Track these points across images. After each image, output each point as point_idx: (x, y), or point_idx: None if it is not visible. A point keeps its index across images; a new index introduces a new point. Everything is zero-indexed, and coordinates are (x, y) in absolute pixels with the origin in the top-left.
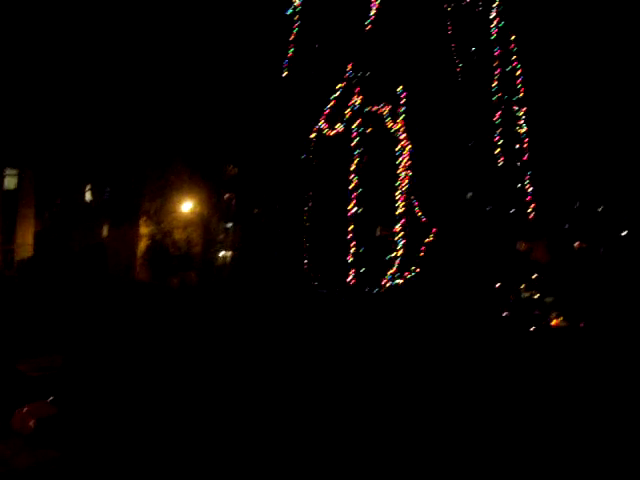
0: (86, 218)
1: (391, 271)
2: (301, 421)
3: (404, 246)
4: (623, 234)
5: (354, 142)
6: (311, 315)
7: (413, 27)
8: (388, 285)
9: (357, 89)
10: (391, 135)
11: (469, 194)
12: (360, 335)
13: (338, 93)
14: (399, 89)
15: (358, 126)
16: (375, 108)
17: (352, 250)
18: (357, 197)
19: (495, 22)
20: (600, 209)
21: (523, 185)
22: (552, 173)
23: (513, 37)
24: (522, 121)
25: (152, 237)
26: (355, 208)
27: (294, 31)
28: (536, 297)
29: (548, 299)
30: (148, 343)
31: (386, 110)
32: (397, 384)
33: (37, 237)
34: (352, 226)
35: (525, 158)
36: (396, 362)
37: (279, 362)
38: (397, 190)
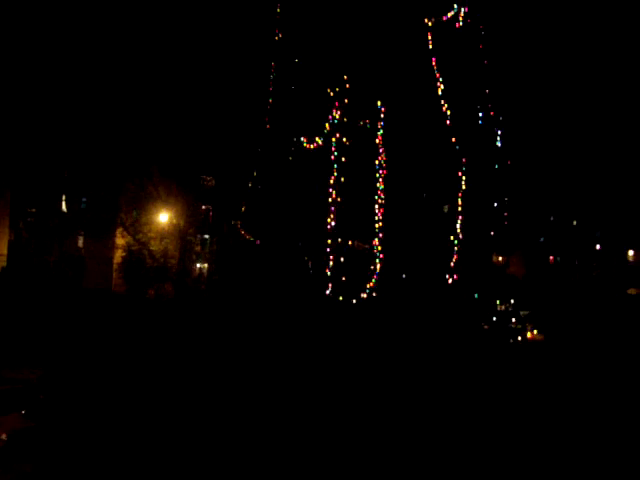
0: (62, 228)
1: (369, 284)
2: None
3: (382, 259)
4: (597, 248)
5: (333, 156)
6: (288, 326)
7: (394, 42)
8: (366, 297)
9: (337, 103)
10: (370, 149)
11: (446, 207)
12: (337, 346)
13: (318, 107)
14: (378, 104)
15: (337, 140)
16: (355, 122)
17: (330, 263)
18: (335, 210)
19: (475, 39)
20: (574, 223)
21: (500, 200)
22: (528, 188)
23: (490, 53)
24: (499, 137)
25: (128, 248)
26: (333, 221)
27: (276, 46)
28: (512, 310)
29: (523, 312)
30: (124, 354)
31: (365, 124)
32: (376, 397)
33: (11, 247)
34: (330, 239)
35: (501, 174)
36: (373, 375)
37: (255, 374)
38: (375, 203)
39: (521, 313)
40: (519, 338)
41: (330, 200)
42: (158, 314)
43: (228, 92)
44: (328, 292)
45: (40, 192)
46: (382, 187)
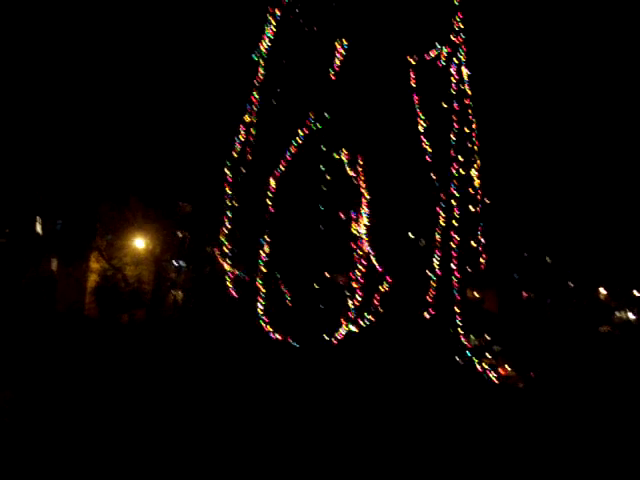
0: (35, 250)
1: (346, 319)
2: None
3: (360, 294)
4: (570, 285)
5: (313, 187)
6: (261, 362)
7: (376, 77)
8: (343, 333)
9: (317, 135)
10: (350, 183)
11: (422, 242)
12: (314, 384)
13: (299, 139)
14: (360, 137)
15: (318, 172)
16: (336, 155)
17: (306, 296)
18: (314, 243)
19: (456, 77)
20: (548, 260)
21: (475, 236)
22: (503, 225)
23: (470, 93)
24: (476, 174)
25: (103, 273)
26: (311, 254)
27: (258, 75)
28: (485, 345)
29: (497, 348)
30: (96, 380)
31: (346, 158)
32: (351, 437)
33: None
34: (307, 272)
35: (478, 210)
36: (351, 413)
37: (224, 407)
38: (354, 237)
39: (495, 348)
40: (492, 374)
41: (310, 232)
42: (131, 339)
43: (207, 121)
44: (302, 330)
45: (14, 214)
46: (360, 220)
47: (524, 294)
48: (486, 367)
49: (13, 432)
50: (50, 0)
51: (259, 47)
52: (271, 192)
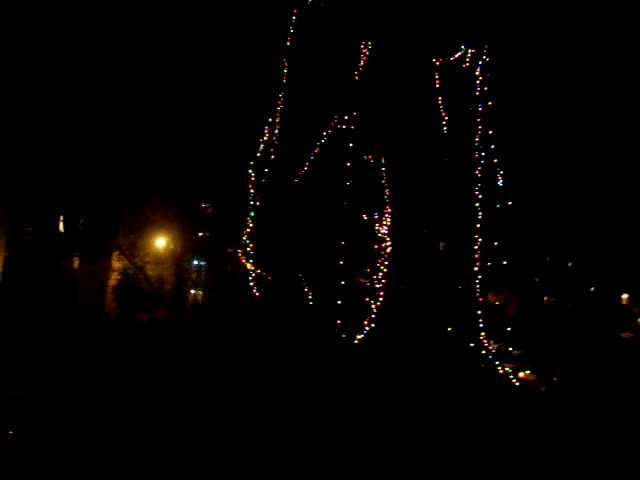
0: (58, 249)
1: (368, 319)
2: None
3: (382, 294)
4: (591, 290)
5: (337, 188)
6: (284, 361)
7: (401, 79)
8: (365, 333)
9: (343, 137)
10: (374, 183)
11: (442, 245)
12: (335, 383)
13: (324, 140)
14: (384, 140)
15: (342, 173)
16: (360, 156)
17: (330, 296)
18: (338, 244)
19: (480, 79)
20: (570, 264)
21: (498, 238)
22: (526, 229)
23: (494, 94)
24: (500, 177)
25: (124, 272)
26: (336, 255)
27: (283, 76)
28: (505, 349)
29: (517, 352)
30: (116, 379)
31: (371, 159)
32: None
33: (6, 265)
34: (330, 272)
35: (500, 213)
36: (369, 412)
37: (248, 407)
38: (376, 238)
39: (515, 352)
40: (512, 378)
41: (333, 234)
42: (152, 339)
43: (232, 119)
44: (325, 328)
45: (37, 212)
46: (385, 223)
47: (545, 298)
48: (507, 370)
49: (42, 425)
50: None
51: (285, 47)
52: (294, 193)
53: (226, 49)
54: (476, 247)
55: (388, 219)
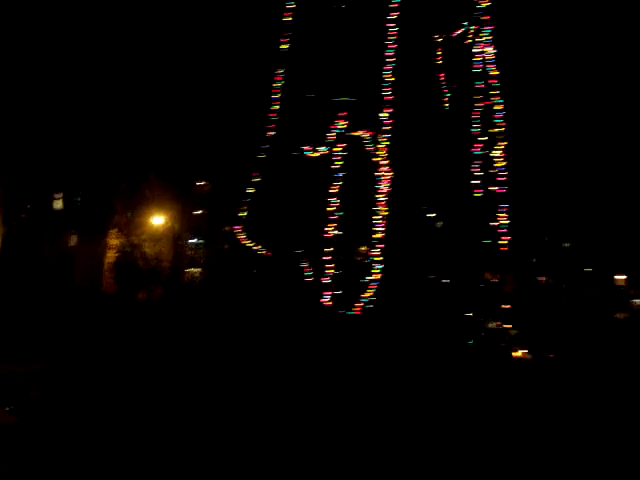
0: (55, 226)
1: (366, 294)
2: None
3: (380, 270)
4: (588, 270)
5: (336, 165)
6: (280, 336)
7: (401, 55)
8: (362, 308)
9: (342, 113)
10: (373, 160)
11: (440, 223)
12: (335, 358)
13: (323, 116)
14: (384, 115)
15: (341, 150)
16: (359, 133)
17: (329, 272)
18: (336, 220)
19: (482, 56)
20: (567, 245)
21: (498, 217)
22: (524, 208)
23: (497, 72)
24: (501, 155)
25: (121, 249)
26: (333, 231)
27: (282, 50)
28: (502, 328)
29: (513, 331)
30: (113, 356)
31: (369, 135)
32: (361, 413)
33: (4, 242)
34: (330, 248)
35: (501, 191)
36: (365, 387)
37: (244, 385)
38: (376, 215)
39: (511, 332)
40: (507, 356)
41: (331, 209)
42: (150, 316)
43: (230, 97)
44: (325, 301)
45: (34, 190)
46: (383, 199)
47: (542, 278)
48: (503, 349)
49: (42, 406)
50: None
51: (286, 23)
52: (293, 170)
53: (220, 24)
54: (475, 226)
55: (386, 195)
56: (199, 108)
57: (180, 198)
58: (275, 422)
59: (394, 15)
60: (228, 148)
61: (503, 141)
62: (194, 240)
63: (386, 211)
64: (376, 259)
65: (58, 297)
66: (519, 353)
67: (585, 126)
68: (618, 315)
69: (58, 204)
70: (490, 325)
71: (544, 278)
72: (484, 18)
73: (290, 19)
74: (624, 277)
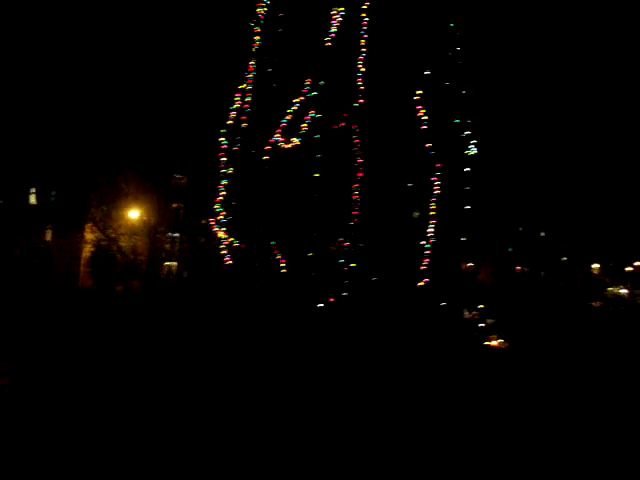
0: (30, 221)
1: (342, 285)
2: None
3: (354, 262)
4: (563, 259)
5: (309, 156)
6: (257, 328)
7: (373, 45)
8: (335, 300)
9: (314, 104)
10: (346, 150)
11: (416, 213)
12: (309, 353)
13: (295, 107)
14: (357, 105)
15: (314, 140)
16: (332, 123)
17: (304, 262)
18: (310, 210)
19: (454, 49)
20: (542, 234)
21: (471, 208)
22: (499, 198)
23: (469, 63)
24: (472, 145)
25: (98, 243)
26: (308, 222)
27: (254, 42)
28: (479, 318)
29: (490, 320)
30: (90, 352)
31: (343, 126)
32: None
33: None
34: (305, 239)
35: (474, 181)
36: (341, 380)
37: (218, 378)
38: (351, 205)
39: (488, 321)
40: (484, 345)
41: (305, 200)
42: (126, 309)
43: (202, 89)
44: (299, 293)
45: (8, 184)
46: (357, 190)
47: (518, 267)
48: (480, 339)
49: (11, 405)
50: None
51: (256, 14)
52: (267, 161)
53: (194, 18)
54: (449, 216)
55: (361, 187)
56: (174, 102)
57: (156, 191)
58: (252, 418)
59: (366, 5)
60: (203, 141)
61: (477, 135)
62: (170, 233)
63: (360, 201)
64: (351, 249)
65: (34, 292)
66: (495, 342)
67: (558, 117)
68: (594, 303)
69: (32, 199)
70: (466, 315)
71: (520, 267)
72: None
73: (263, 10)
74: (599, 266)
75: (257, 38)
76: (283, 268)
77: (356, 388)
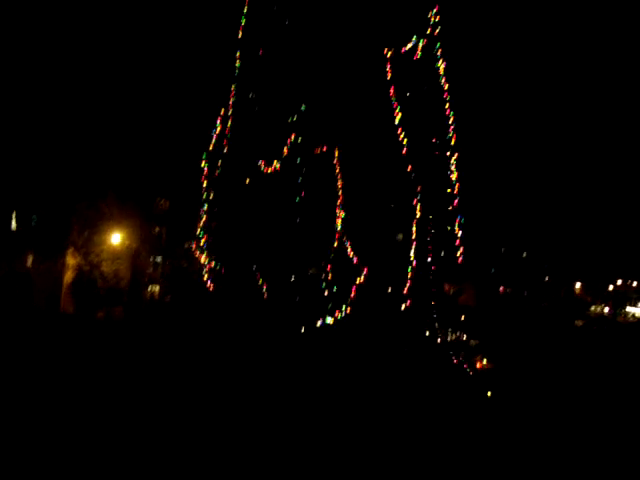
0: (10, 246)
1: (323, 309)
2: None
3: (336, 285)
4: (545, 280)
5: (291, 180)
6: (238, 352)
7: (353, 71)
8: (319, 323)
9: (295, 128)
10: (327, 175)
11: (399, 236)
12: (288, 373)
13: (276, 131)
14: (337, 130)
15: (295, 164)
16: (313, 148)
17: (285, 288)
18: (291, 234)
19: (433, 71)
20: (524, 255)
21: (453, 229)
22: (480, 220)
23: (447, 86)
24: (453, 167)
25: (79, 268)
26: (289, 245)
27: (236, 67)
28: (462, 339)
29: (474, 341)
30: (72, 378)
31: (324, 150)
32: (317, 430)
33: None
34: (285, 263)
35: (455, 203)
36: (323, 403)
37: (204, 400)
38: (332, 228)
39: (471, 342)
40: (469, 367)
41: (287, 224)
42: (107, 336)
43: (184, 114)
44: (279, 317)
45: None
46: (338, 213)
47: (501, 288)
48: (462, 360)
49: None
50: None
51: (237, 39)
52: (248, 185)
53: (177, 43)
54: (431, 237)
55: (342, 211)
56: (156, 126)
57: (138, 216)
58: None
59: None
60: (185, 165)
61: (455, 153)
62: (153, 257)
63: (342, 224)
64: (330, 273)
65: (15, 318)
66: (479, 363)
67: (538, 137)
68: (577, 322)
69: (13, 223)
70: (450, 337)
71: (503, 288)
72: (434, 34)
73: (242, 36)
74: (581, 285)
75: (238, 64)
76: (264, 292)
77: (338, 414)
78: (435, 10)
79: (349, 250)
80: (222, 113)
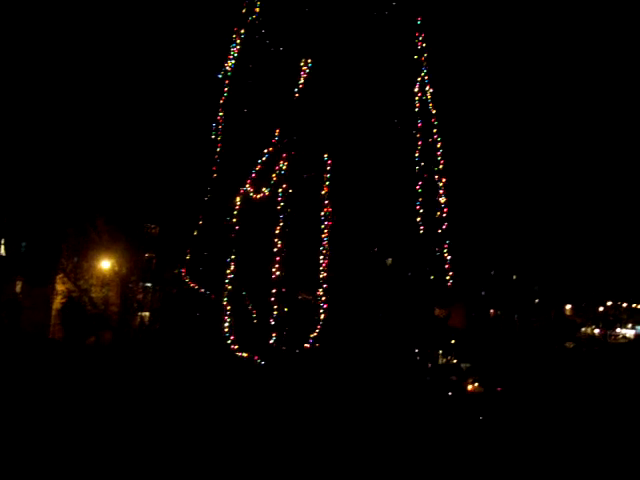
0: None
1: (312, 335)
2: None
3: (326, 310)
4: (536, 302)
5: (280, 206)
6: (230, 380)
7: (341, 95)
8: (309, 347)
9: (284, 154)
10: (316, 201)
11: (389, 260)
12: (279, 398)
13: (265, 157)
14: (325, 156)
15: (284, 190)
16: (301, 174)
17: (274, 313)
18: (280, 261)
19: (419, 95)
20: (514, 278)
21: (442, 253)
22: (469, 242)
23: (434, 111)
24: (442, 191)
25: (69, 295)
26: (278, 272)
27: (223, 94)
28: (453, 362)
29: (464, 365)
30: (61, 404)
31: (312, 176)
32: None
33: None
34: (275, 289)
35: (444, 227)
36: (314, 426)
37: (193, 429)
38: (320, 255)
39: (462, 366)
40: (459, 390)
41: (275, 250)
42: (97, 362)
43: (174, 141)
44: (271, 342)
45: None
46: (327, 238)
47: (491, 311)
48: (453, 384)
49: None
50: None
51: (224, 66)
52: (237, 211)
53: (166, 65)
54: (422, 261)
55: (330, 234)
56: (145, 152)
57: (128, 242)
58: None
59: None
60: (174, 192)
61: (443, 177)
62: (142, 283)
63: (330, 250)
64: (321, 298)
65: (4, 344)
66: (470, 386)
67: (527, 160)
68: (567, 344)
69: (2, 249)
70: (441, 360)
71: (493, 311)
72: (421, 59)
73: (230, 63)
74: (571, 306)
75: (225, 90)
76: (254, 319)
77: (326, 441)
78: (422, 37)
79: (337, 275)
80: (212, 138)
